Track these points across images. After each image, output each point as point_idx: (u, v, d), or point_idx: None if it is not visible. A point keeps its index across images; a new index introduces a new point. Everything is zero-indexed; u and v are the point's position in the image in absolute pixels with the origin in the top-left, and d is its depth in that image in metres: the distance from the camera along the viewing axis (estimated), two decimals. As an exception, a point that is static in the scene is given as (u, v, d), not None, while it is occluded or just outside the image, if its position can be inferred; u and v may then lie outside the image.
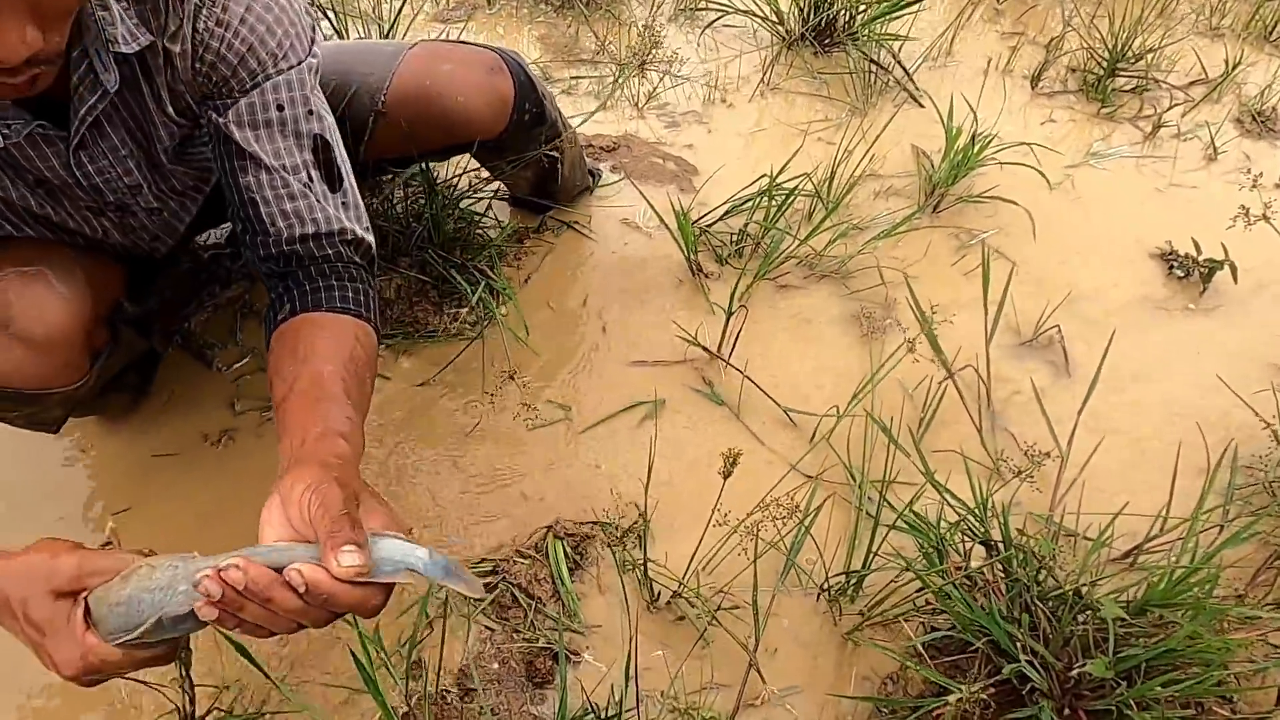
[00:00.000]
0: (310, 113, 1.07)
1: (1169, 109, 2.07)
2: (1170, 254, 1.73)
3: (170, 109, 1.04)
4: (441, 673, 1.11)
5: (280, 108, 1.04)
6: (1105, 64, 2.12)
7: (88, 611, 0.76)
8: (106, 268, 1.19)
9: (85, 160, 1.02)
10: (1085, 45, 2.18)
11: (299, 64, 1.04)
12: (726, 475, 0.99)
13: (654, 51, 2.14)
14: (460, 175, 1.65)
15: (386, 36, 1.93)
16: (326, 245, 1.09)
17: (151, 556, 0.77)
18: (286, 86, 1.04)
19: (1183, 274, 1.69)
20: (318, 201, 1.07)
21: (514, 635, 1.17)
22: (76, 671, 0.76)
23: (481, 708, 1.09)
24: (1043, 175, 1.85)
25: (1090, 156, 1.96)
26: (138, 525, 1.27)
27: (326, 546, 0.74)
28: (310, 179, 1.07)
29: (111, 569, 0.76)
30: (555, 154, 1.57)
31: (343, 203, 1.10)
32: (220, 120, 1.03)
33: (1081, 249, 1.74)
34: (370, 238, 1.13)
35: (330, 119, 1.10)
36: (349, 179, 1.12)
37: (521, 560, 1.23)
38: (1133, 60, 2.14)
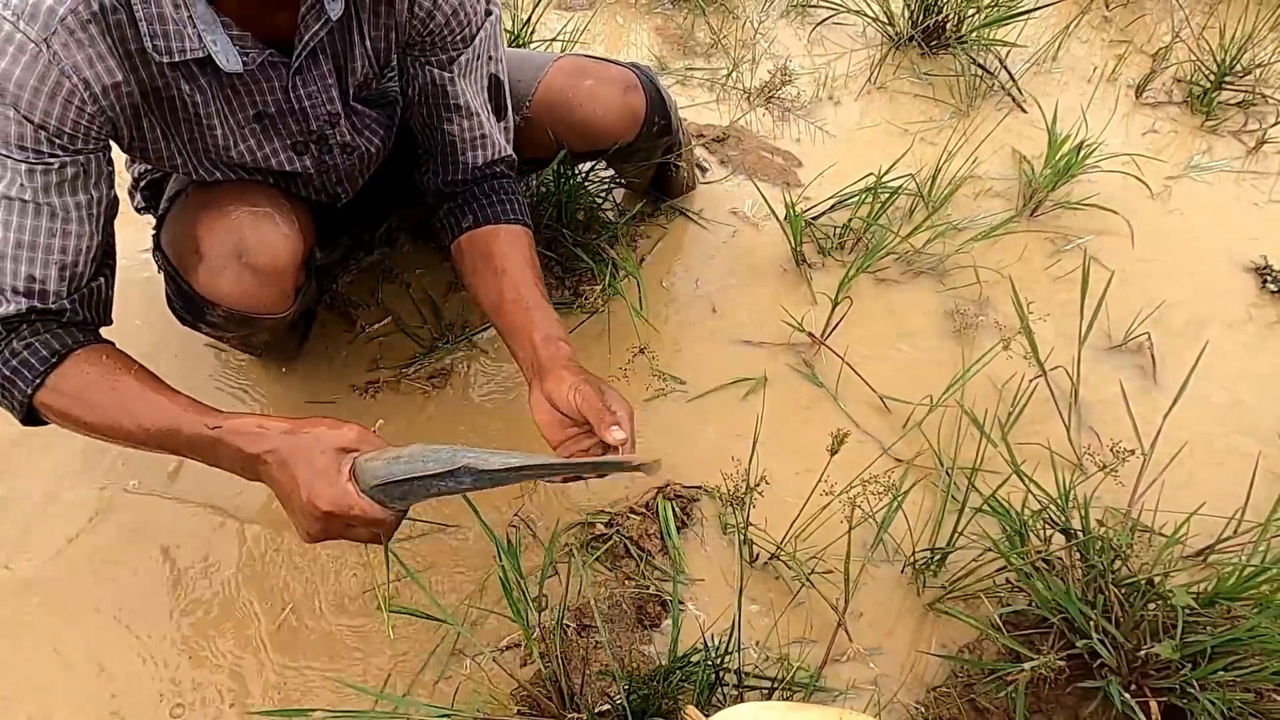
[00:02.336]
0: (491, 57, 1.27)
1: (1274, 124, 2.09)
2: (1264, 269, 1.78)
3: (369, 45, 1.17)
4: (563, 609, 1.26)
5: (479, 56, 1.24)
6: (1213, 77, 2.15)
7: (353, 471, 0.96)
8: (307, 217, 1.34)
9: (300, 84, 1.14)
10: (1193, 57, 2.20)
11: (493, 13, 1.22)
12: (834, 452, 1.10)
13: (767, 48, 2.23)
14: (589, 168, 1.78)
15: (524, 28, 2.06)
16: (496, 168, 1.33)
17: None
18: (488, 39, 1.24)
19: (1276, 289, 1.74)
20: (492, 133, 1.31)
21: (626, 582, 1.30)
22: (330, 507, 0.94)
23: (597, 642, 1.23)
24: (1145, 184, 1.90)
25: (1190, 168, 2.00)
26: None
27: (600, 426, 1.07)
28: (489, 113, 1.30)
29: (381, 445, 0.99)
30: (678, 163, 1.72)
31: (505, 127, 1.34)
32: (441, 74, 1.22)
33: (1176, 259, 1.80)
34: (512, 150, 1.36)
35: (504, 56, 1.31)
36: (508, 102, 1.34)
37: (634, 516, 1.36)
38: (1241, 74, 2.16)
